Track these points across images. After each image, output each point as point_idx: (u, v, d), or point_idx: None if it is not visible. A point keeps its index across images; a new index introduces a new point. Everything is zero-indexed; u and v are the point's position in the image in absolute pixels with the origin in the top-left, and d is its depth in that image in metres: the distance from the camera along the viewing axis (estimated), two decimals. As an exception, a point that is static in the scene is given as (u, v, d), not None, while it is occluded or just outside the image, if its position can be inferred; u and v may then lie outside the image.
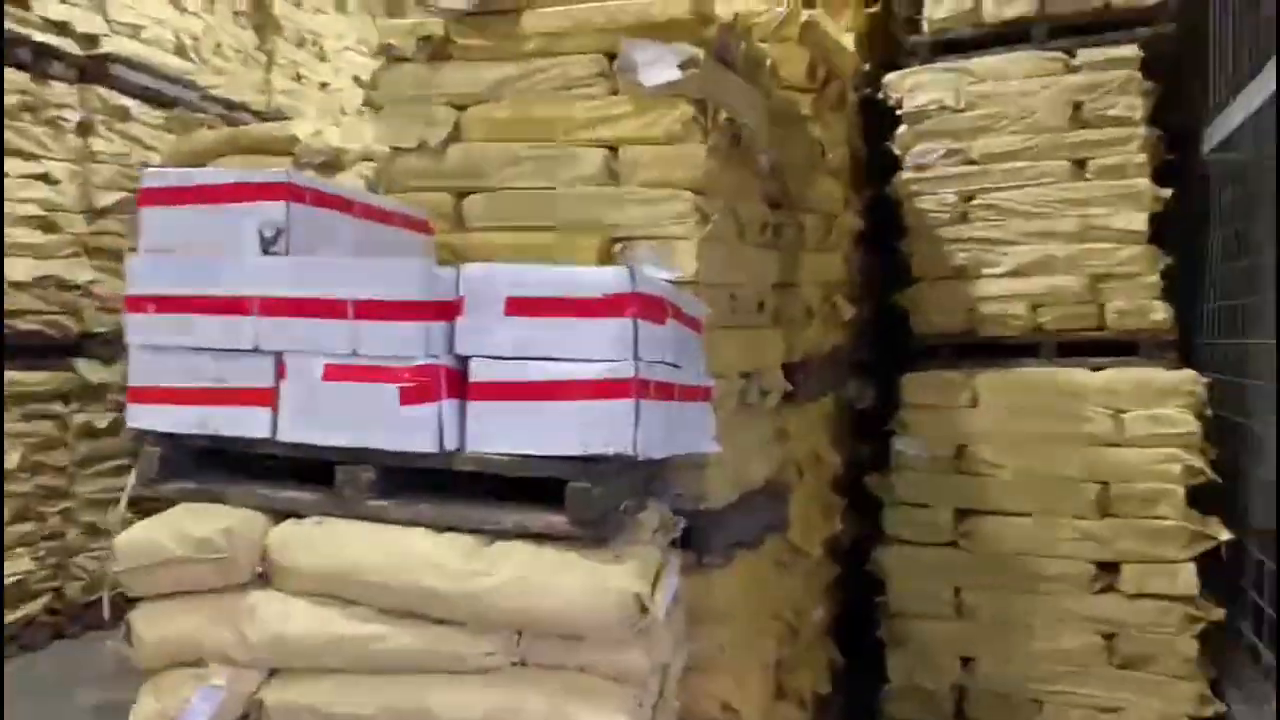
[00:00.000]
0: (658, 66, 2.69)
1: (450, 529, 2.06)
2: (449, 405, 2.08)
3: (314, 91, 7.19)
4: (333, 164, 4.33)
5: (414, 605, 2.00)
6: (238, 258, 2.16)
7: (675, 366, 2.21)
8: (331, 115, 6.88)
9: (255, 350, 2.16)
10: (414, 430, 2.06)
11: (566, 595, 1.92)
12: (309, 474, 2.16)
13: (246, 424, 2.16)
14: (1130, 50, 4.04)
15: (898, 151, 4.46)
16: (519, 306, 2.05)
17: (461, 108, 2.92)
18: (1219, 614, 3.50)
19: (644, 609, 1.92)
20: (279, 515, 2.15)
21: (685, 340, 2.29)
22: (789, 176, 3.39)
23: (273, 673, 2.07)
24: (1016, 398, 3.84)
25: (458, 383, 2.10)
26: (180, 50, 5.90)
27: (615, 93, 2.77)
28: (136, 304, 2.25)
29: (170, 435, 2.25)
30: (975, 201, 4.23)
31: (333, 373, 2.11)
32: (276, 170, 2.22)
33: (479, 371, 2.08)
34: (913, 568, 3.86)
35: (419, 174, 2.93)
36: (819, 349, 3.72)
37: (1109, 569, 3.63)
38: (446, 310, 2.11)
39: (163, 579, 2.10)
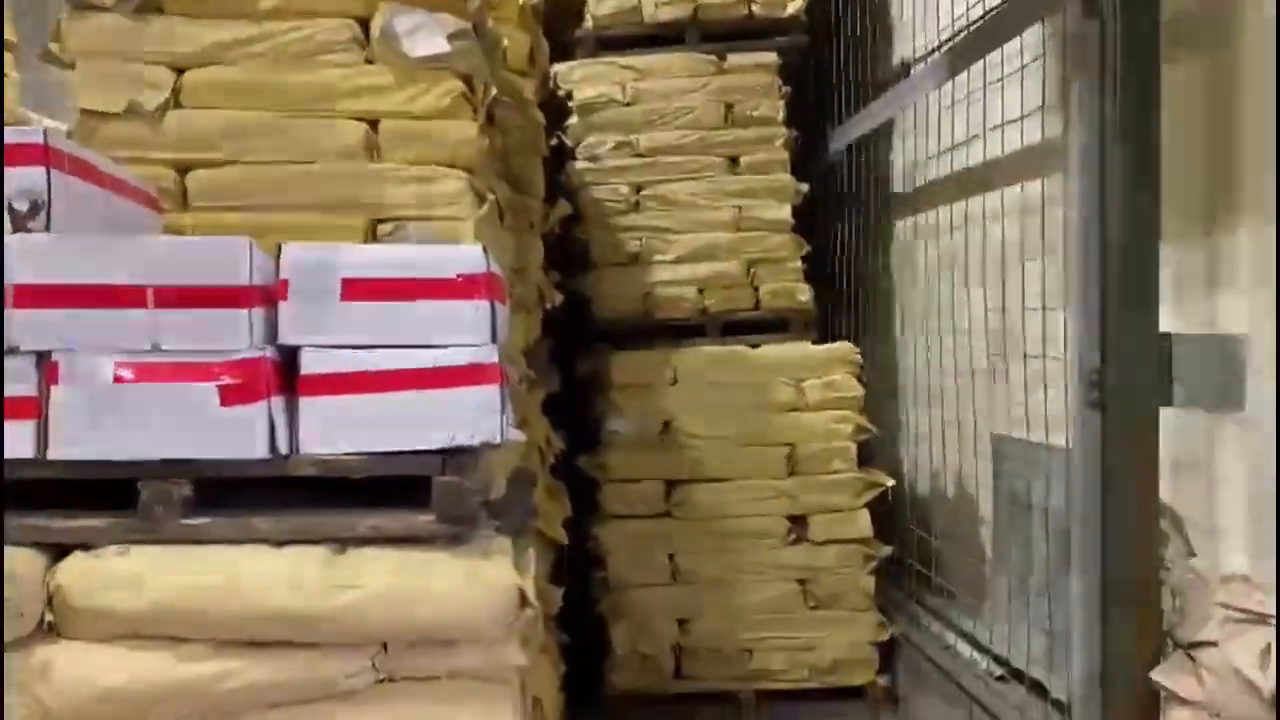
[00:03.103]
0: (423, 36, 2.55)
1: (288, 543, 1.82)
2: (277, 403, 1.83)
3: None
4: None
5: (264, 632, 1.74)
6: (-17, 236, 1.72)
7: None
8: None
9: (13, 351, 1.74)
10: (238, 434, 1.79)
11: (445, 598, 1.78)
12: (97, 497, 1.79)
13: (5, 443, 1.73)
14: (770, 56, 4.51)
15: (569, 142, 4.59)
16: (359, 290, 1.86)
17: (179, 70, 2.55)
18: (887, 551, 4.05)
19: (525, 603, 1.84)
20: (58, 551, 1.76)
21: (507, 320, 2.21)
22: (516, 160, 3.37)
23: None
24: (712, 374, 4.13)
25: (284, 377, 1.86)
26: None
27: (370, 61, 2.59)
28: None
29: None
30: (645, 192, 4.48)
31: (126, 374, 1.76)
32: (28, 128, 1.79)
33: (312, 363, 1.85)
34: (630, 540, 4.01)
35: (127, 143, 2.51)
36: (536, 335, 3.73)
37: (799, 522, 4.04)
38: (268, 295, 1.85)
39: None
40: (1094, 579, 2.61)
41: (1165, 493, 2.82)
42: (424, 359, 1.86)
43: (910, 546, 4.05)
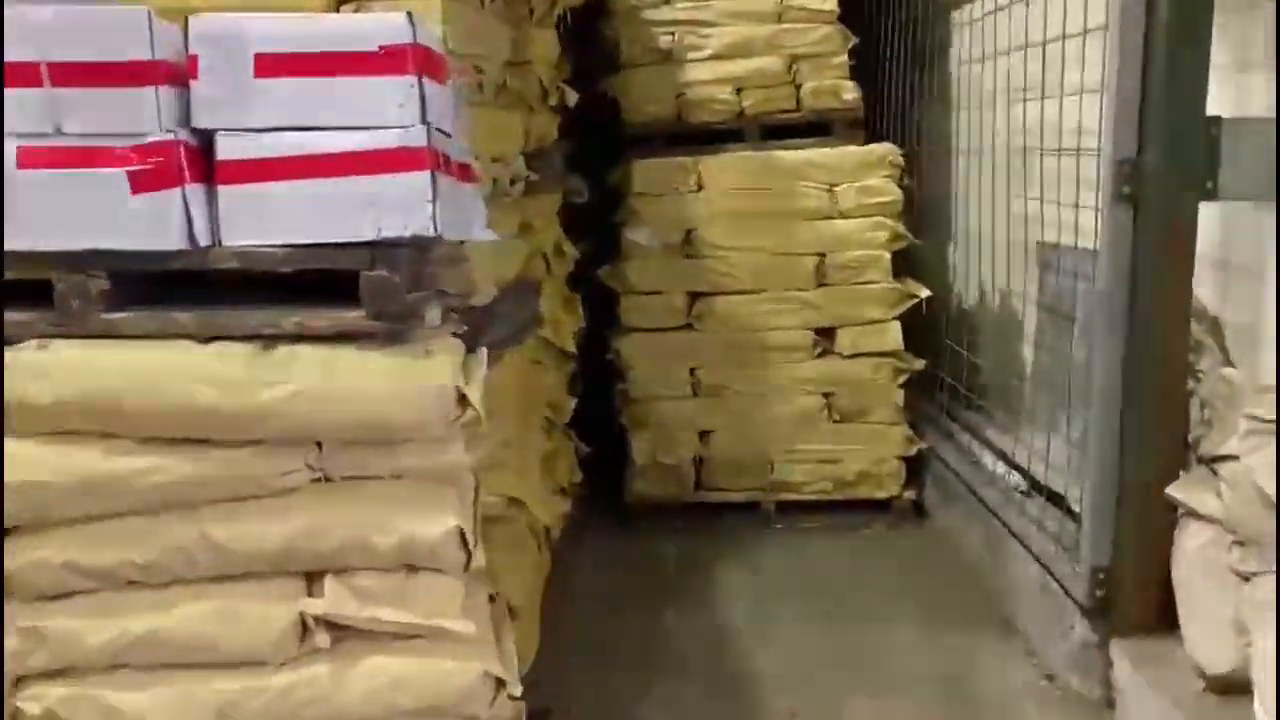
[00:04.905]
0: None
1: (215, 339, 1.74)
2: (194, 191, 1.72)
3: None
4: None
5: (189, 429, 1.69)
6: None
7: (448, 136, 1.96)
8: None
9: (-95, 135, 1.64)
10: (153, 224, 1.69)
11: (379, 396, 1.70)
12: (22, 292, 1.72)
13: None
14: None
15: (592, -78, 4.23)
16: (273, 65, 1.70)
17: None
18: (920, 365, 3.88)
19: (464, 403, 1.75)
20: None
21: (456, 108, 2.03)
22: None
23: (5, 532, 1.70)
24: (738, 179, 3.90)
25: (201, 164, 1.73)
26: None
27: None
28: None
29: None
30: (678, -20, 4.11)
31: (30, 158, 1.65)
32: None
33: (228, 148, 1.72)
34: (650, 353, 3.91)
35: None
36: (546, 137, 3.53)
37: (826, 334, 3.88)
38: (176, 73, 1.70)
39: None
40: (1114, 387, 2.43)
41: (1206, 296, 2.58)
42: (346, 142, 1.71)
43: (947, 360, 3.87)
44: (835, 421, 3.89)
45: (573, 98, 3.77)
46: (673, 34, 4.12)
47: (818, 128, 4.15)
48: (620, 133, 4.25)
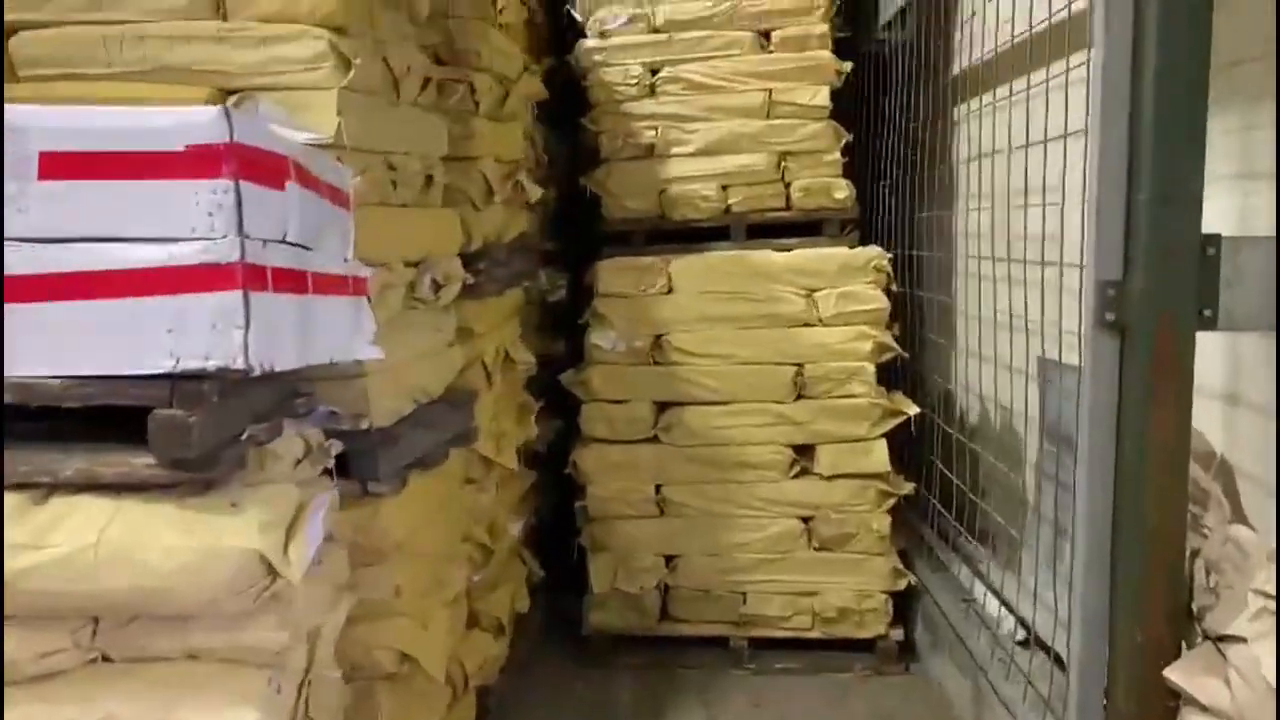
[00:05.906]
0: None
1: (-19, 486, 1.46)
2: (-35, 312, 1.45)
3: None
4: None
5: (-79, 601, 1.40)
6: None
7: (305, 249, 1.69)
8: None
9: None
10: (-90, 350, 1.42)
11: (160, 564, 1.40)
12: None
13: None
14: (804, -82, 3.82)
15: (579, 17, 4.05)
16: (60, 165, 1.44)
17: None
18: (909, 488, 3.52)
19: (272, 571, 1.44)
20: None
21: (321, 214, 1.76)
22: (454, 26, 2.89)
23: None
24: (710, 282, 3.61)
25: (-25, 280, 1.47)
26: None
27: (209, -103, 2.13)
28: None
29: None
30: (662, 74, 3.90)
31: None
32: None
33: (7, 261, 1.46)
34: (613, 467, 3.59)
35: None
36: (503, 235, 3.28)
37: (805, 452, 3.54)
38: (-52, 174, 1.46)
39: None
40: (1102, 542, 2.06)
41: (1215, 438, 2.22)
42: (143, 256, 1.44)
43: (939, 484, 3.50)
44: (815, 550, 3.52)
45: (535, 192, 3.53)
46: (655, 128, 3.90)
47: (808, 227, 3.89)
48: (600, 230, 4.02)
